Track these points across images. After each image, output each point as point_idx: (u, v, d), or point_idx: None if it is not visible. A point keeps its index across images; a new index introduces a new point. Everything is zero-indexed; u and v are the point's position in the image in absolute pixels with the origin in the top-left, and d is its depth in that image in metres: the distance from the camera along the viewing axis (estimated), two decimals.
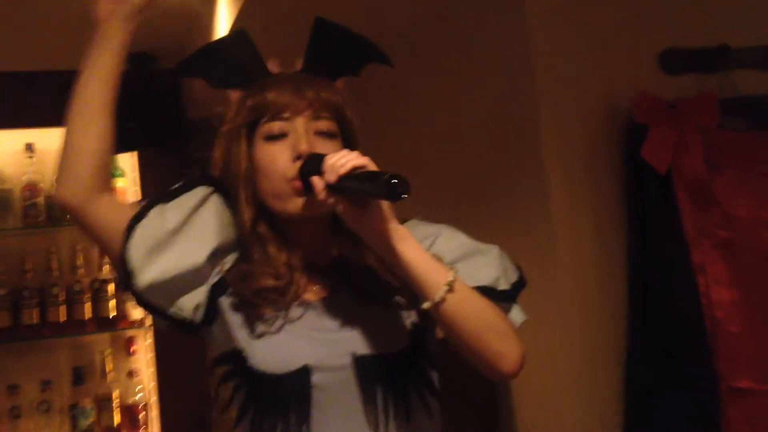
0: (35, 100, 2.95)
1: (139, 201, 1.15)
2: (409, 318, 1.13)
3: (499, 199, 2.02)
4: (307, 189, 1.07)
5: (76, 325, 3.28)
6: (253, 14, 2.35)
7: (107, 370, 3.33)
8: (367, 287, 1.13)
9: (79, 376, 3.31)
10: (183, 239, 1.10)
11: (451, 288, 1.02)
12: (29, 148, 3.29)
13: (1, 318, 3.20)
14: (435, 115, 2.36)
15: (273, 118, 1.11)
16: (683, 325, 1.75)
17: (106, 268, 3.31)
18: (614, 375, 1.79)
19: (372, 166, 1.01)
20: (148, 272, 1.08)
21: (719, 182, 1.80)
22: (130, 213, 1.10)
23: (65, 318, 3.26)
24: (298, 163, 1.08)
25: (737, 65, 1.92)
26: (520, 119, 1.90)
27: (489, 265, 1.16)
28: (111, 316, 3.33)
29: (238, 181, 1.12)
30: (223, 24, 2.63)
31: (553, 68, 1.84)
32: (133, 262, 1.07)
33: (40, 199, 3.28)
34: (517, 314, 1.17)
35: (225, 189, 1.15)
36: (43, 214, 3.28)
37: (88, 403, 3.30)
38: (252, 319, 1.09)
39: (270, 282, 1.09)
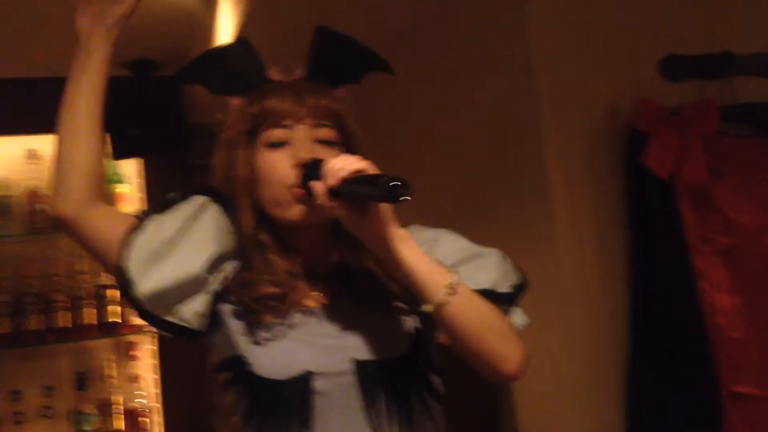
0: (37, 106, 2.92)
1: (136, 212, 1.15)
2: (410, 323, 1.13)
3: (500, 201, 2.02)
4: (308, 196, 1.07)
5: (78, 331, 3.29)
6: (254, 21, 2.36)
7: (110, 375, 3.34)
8: (367, 292, 1.13)
9: (81, 382, 3.32)
10: (180, 248, 1.10)
11: (452, 290, 1.02)
12: (32, 154, 3.30)
13: (4, 324, 3.20)
14: (435, 117, 2.35)
15: (273, 126, 1.12)
16: (684, 328, 1.75)
17: None
18: (615, 377, 1.79)
19: (372, 170, 1.00)
20: (147, 282, 1.08)
21: (721, 189, 1.79)
22: (125, 223, 1.11)
23: (68, 324, 3.26)
24: (299, 171, 1.08)
25: (739, 72, 1.92)
26: (521, 121, 1.90)
27: (490, 268, 1.16)
28: (114, 322, 3.33)
29: (238, 188, 1.12)
30: (224, 31, 2.63)
31: (554, 70, 1.84)
32: (130, 272, 1.08)
33: (43, 206, 3.27)
34: (518, 317, 1.17)
35: (223, 197, 1.15)
36: (45, 220, 3.27)
37: (90, 409, 3.30)
38: (253, 325, 1.09)
39: (270, 289, 1.10)
